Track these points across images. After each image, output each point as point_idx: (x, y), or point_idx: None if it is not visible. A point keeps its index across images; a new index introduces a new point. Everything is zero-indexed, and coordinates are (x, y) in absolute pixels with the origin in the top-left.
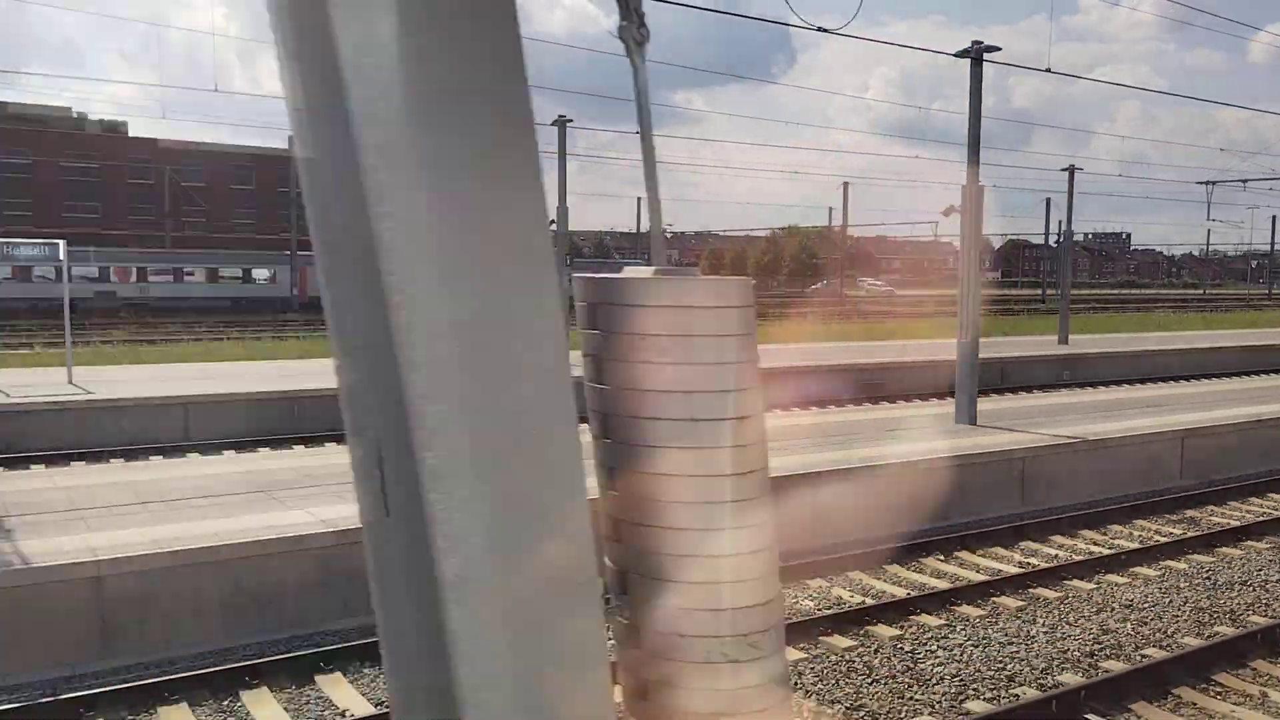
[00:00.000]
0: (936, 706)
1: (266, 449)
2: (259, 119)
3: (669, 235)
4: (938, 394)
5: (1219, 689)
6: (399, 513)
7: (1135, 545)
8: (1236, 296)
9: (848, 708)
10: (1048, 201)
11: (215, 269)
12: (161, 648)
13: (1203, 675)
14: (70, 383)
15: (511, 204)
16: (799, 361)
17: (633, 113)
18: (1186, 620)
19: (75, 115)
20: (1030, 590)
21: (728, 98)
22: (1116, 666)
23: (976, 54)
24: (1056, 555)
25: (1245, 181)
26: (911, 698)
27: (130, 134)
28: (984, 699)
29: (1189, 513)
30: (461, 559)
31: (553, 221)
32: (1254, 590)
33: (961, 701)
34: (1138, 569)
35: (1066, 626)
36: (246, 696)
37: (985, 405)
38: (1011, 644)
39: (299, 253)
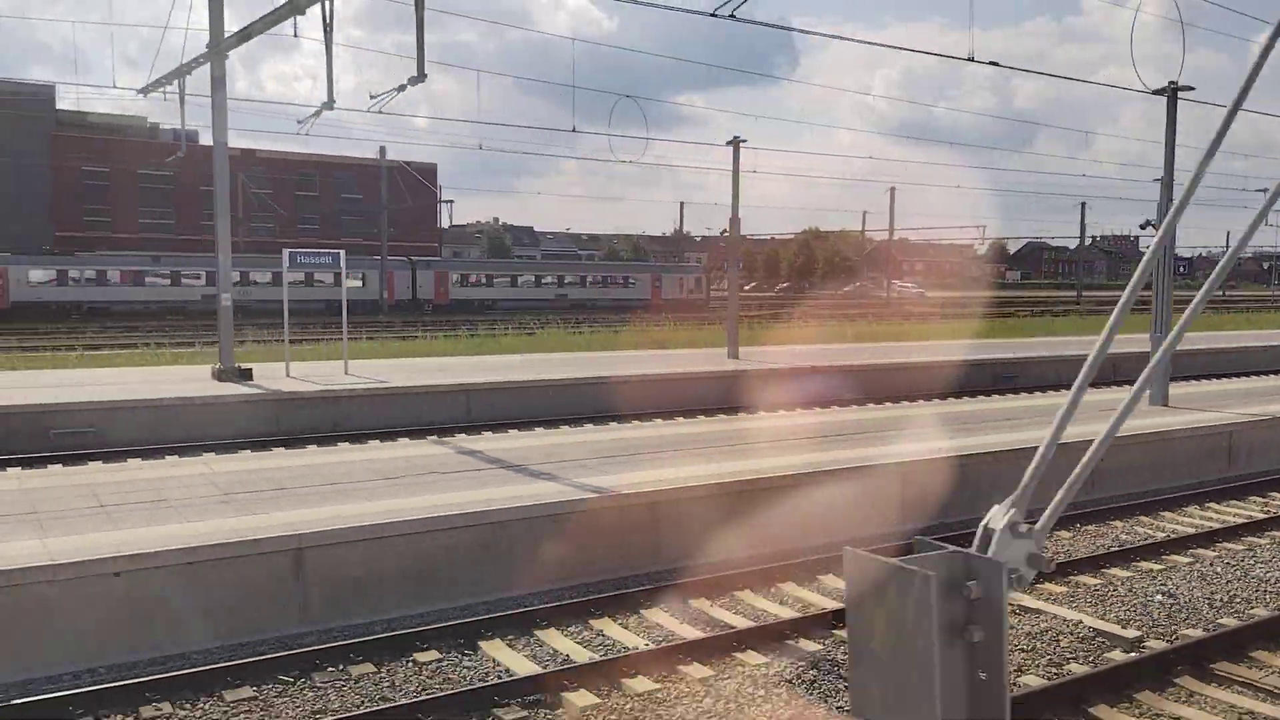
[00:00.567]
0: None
1: (540, 428)
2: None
3: (697, 239)
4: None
5: None
6: None
7: None
8: (1256, 298)
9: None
10: (1083, 206)
11: (311, 273)
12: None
13: None
14: (346, 373)
15: None
16: (940, 357)
17: (632, 113)
18: None
19: (149, 125)
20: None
21: (734, 98)
22: None
23: (1172, 92)
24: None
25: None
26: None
27: (201, 142)
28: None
29: None
30: None
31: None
32: None
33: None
34: None
35: None
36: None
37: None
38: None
39: (389, 258)
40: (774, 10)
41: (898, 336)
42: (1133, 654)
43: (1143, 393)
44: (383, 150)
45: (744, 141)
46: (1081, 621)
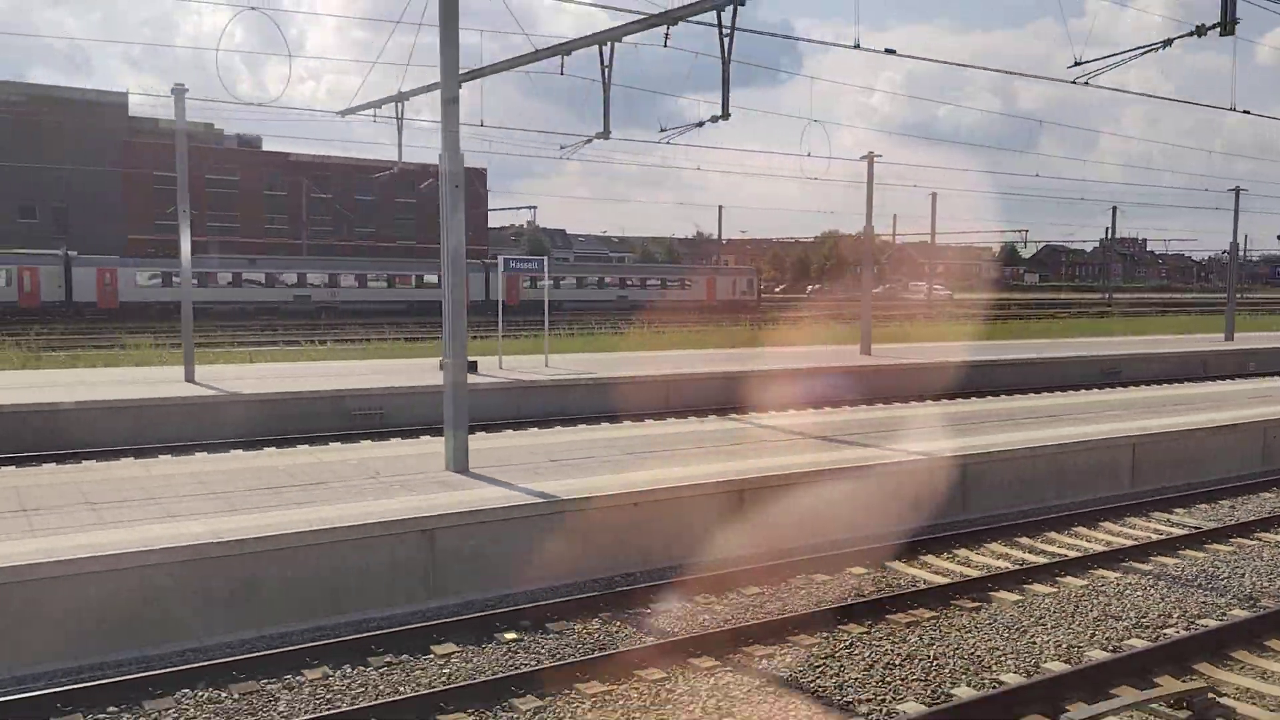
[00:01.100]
0: None
1: (714, 416)
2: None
3: (724, 241)
4: (1167, 379)
5: None
6: None
7: None
8: (1270, 299)
9: None
10: (1114, 210)
11: (393, 275)
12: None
13: None
14: (546, 366)
15: None
16: (1048, 354)
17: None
18: None
19: (215, 129)
20: None
21: (741, 98)
22: None
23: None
24: None
25: None
26: None
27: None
28: None
29: None
30: None
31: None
32: None
33: None
34: None
35: None
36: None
37: (1239, 386)
38: None
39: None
40: (774, 11)
41: (1004, 335)
42: None
43: None
44: (442, 158)
45: (879, 157)
46: None
